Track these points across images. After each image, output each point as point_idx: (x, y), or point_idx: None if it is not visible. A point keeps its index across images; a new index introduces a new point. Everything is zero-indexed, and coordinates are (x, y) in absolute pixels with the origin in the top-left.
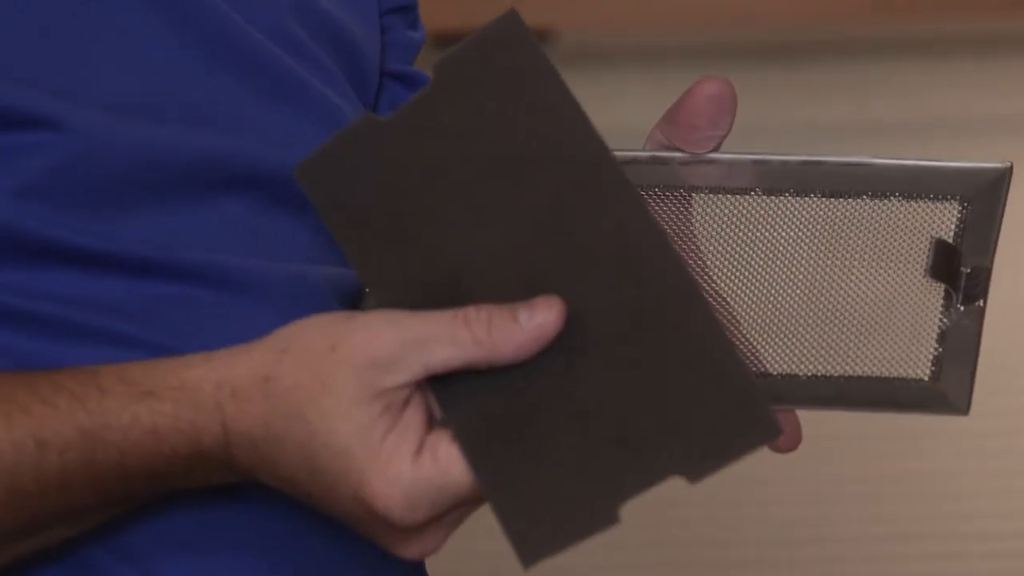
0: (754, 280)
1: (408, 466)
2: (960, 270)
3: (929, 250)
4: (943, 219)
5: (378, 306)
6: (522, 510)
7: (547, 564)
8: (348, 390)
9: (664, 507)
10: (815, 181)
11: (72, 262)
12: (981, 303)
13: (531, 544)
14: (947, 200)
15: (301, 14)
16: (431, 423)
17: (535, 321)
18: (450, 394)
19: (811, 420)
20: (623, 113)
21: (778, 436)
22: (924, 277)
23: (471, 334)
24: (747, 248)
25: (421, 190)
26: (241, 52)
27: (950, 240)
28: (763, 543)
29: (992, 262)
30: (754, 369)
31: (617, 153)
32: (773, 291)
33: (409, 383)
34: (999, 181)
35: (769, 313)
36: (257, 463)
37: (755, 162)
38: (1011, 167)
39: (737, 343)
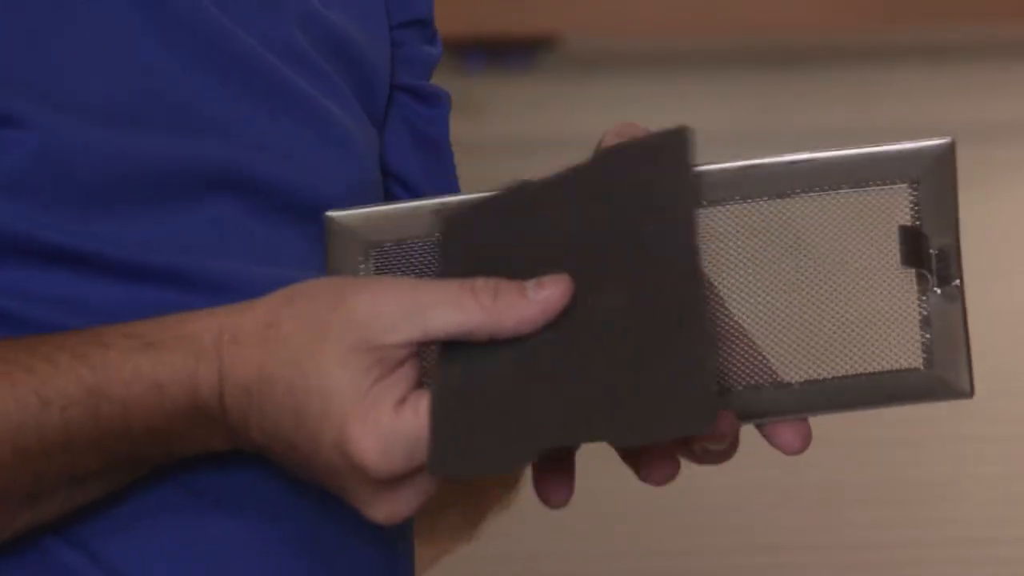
0: (727, 294)
1: (388, 413)
2: (929, 253)
3: (895, 237)
4: (898, 204)
5: None
6: (450, 429)
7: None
8: (345, 340)
9: (661, 515)
10: (759, 185)
11: (61, 263)
12: (957, 282)
13: (442, 456)
14: (896, 183)
15: (304, 23)
16: (421, 385)
17: (543, 294)
18: (447, 359)
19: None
20: (626, 117)
21: (708, 429)
22: (894, 266)
23: (476, 301)
24: (709, 264)
25: (523, 248)
26: (232, 57)
27: (909, 223)
28: (762, 549)
29: (958, 239)
30: (764, 380)
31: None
32: (745, 303)
33: (407, 343)
34: (944, 157)
35: (750, 325)
36: (247, 411)
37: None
38: (953, 142)
39: (744, 351)
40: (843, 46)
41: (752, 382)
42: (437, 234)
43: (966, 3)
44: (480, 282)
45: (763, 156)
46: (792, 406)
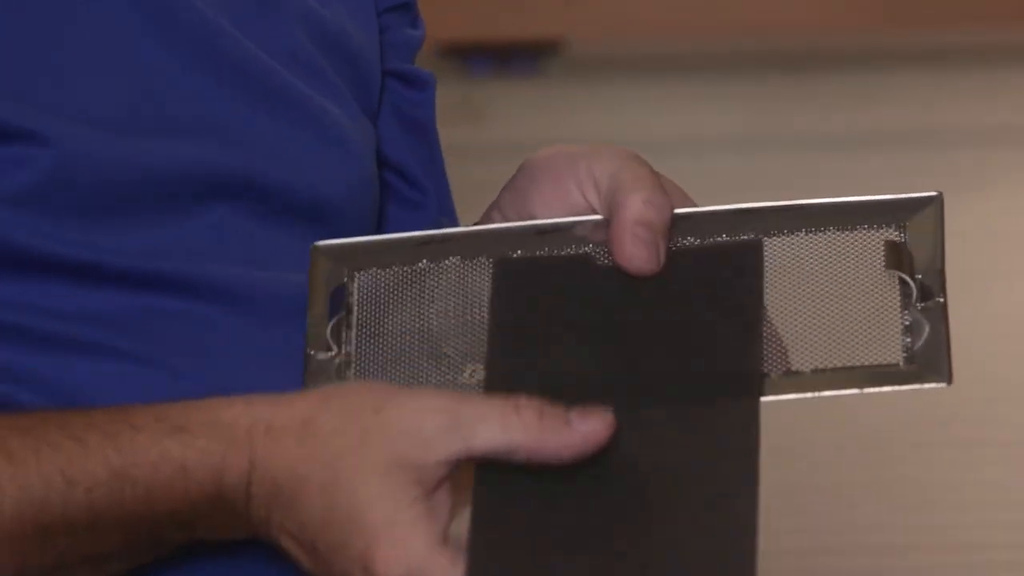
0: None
1: (424, 546)
2: (910, 262)
3: (885, 253)
4: (884, 243)
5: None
6: None
7: None
8: (384, 450)
9: None
10: (745, 227)
11: (63, 274)
12: (941, 299)
13: None
14: (884, 228)
15: (302, 23)
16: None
17: (587, 426)
18: (482, 482)
19: (809, 430)
20: (630, 121)
21: None
22: (882, 277)
23: (520, 419)
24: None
25: (577, 327)
26: (229, 60)
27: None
28: (763, 554)
29: (943, 272)
30: (780, 368)
31: (547, 221)
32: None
33: (448, 462)
34: (933, 209)
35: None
36: (273, 507)
37: (680, 217)
38: (941, 195)
39: (774, 347)
40: (845, 49)
41: (779, 371)
42: (424, 261)
43: (967, 6)
44: (524, 401)
45: (754, 203)
46: (804, 387)
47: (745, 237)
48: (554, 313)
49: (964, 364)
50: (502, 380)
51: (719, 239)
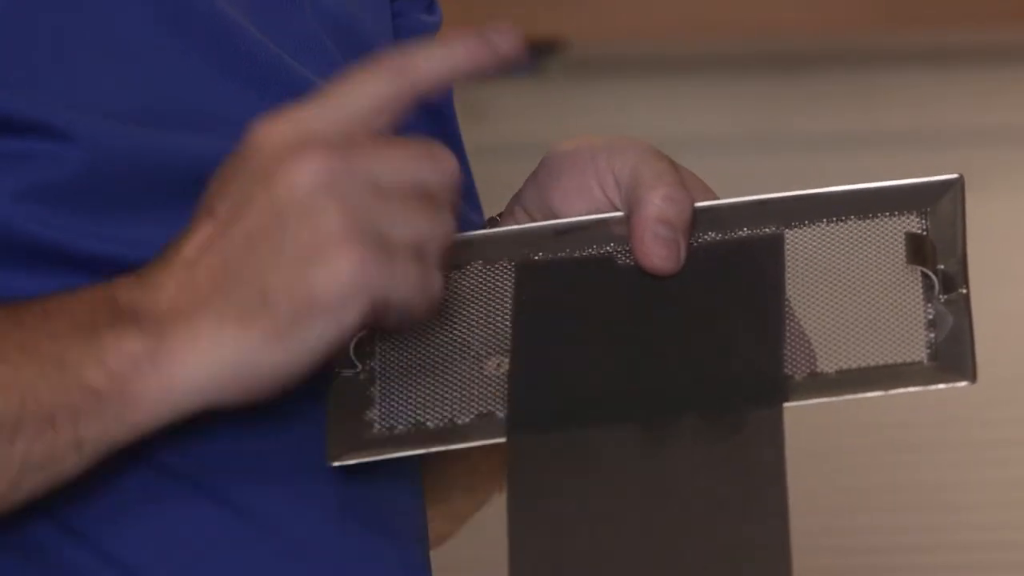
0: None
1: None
2: (933, 256)
3: (903, 246)
4: (907, 229)
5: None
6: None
7: None
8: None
9: None
10: (766, 219)
11: (86, 269)
12: (964, 290)
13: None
14: (906, 214)
15: (313, 11)
16: None
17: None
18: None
19: (812, 432)
20: (632, 120)
21: None
22: (904, 270)
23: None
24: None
25: (597, 323)
26: (243, 55)
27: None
28: None
29: (965, 258)
30: (805, 369)
31: (566, 221)
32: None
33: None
34: (954, 193)
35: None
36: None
37: (700, 210)
38: (961, 178)
39: (799, 346)
40: (848, 49)
41: (803, 372)
42: (512, 267)
43: (969, 5)
44: None
45: (769, 193)
46: (830, 390)
47: (766, 230)
48: (576, 314)
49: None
50: (526, 382)
51: (740, 233)
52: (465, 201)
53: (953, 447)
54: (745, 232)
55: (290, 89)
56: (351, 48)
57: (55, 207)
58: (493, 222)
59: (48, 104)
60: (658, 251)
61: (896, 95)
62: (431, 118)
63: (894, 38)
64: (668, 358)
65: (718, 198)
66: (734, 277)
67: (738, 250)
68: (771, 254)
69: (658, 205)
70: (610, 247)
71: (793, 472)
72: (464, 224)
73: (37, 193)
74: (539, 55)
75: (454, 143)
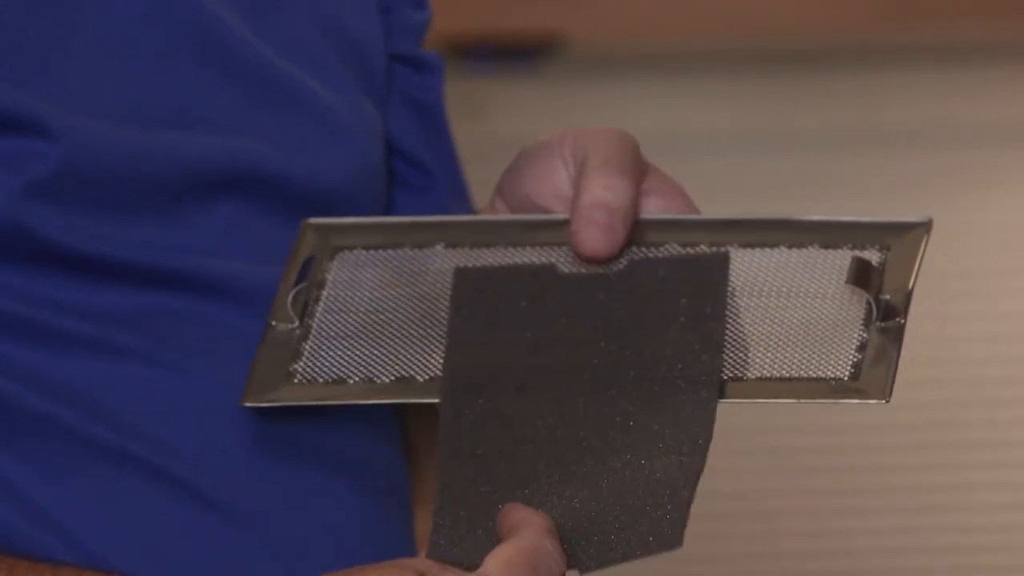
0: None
1: None
2: (876, 282)
3: (849, 270)
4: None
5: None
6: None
7: None
8: None
9: None
10: (727, 237)
11: (72, 267)
12: (902, 320)
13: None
14: (868, 249)
15: (302, 11)
16: None
17: None
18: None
19: (795, 435)
20: (630, 118)
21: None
22: (850, 296)
23: None
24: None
25: (536, 328)
26: (230, 54)
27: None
28: (762, 557)
29: (911, 294)
30: (734, 374)
31: (530, 217)
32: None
33: None
34: (919, 233)
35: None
36: None
37: (665, 222)
38: (930, 221)
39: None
40: (849, 47)
41: (730, 375)
42: (408, 247)
43: (973, 2)
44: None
45: (741, 215)
46: (746, 393)
47: (718, 249)
48: (513, 320)
49: (965, 364)
50: (458, 382)
51: (691, 249)
52: (456, 200)
53: (953, 447)
54: (704, 247)
55: (279, 87)
56: (339, 45)
57: (42, 205)
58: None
59: (34, 103)
60: (592, 235)
61: (897, 92)
62: (420, 115)
63: (895, 35)
64: (603, 361)
65: (689, 199)
66: (677, 288)
67: (683, 264)
68: (716, 270)
69: (596, 192)
70: (555, 252)
71: (775, 477)
72: None
73: (24, 190)
74: (537, 53)
75: (443, 139)
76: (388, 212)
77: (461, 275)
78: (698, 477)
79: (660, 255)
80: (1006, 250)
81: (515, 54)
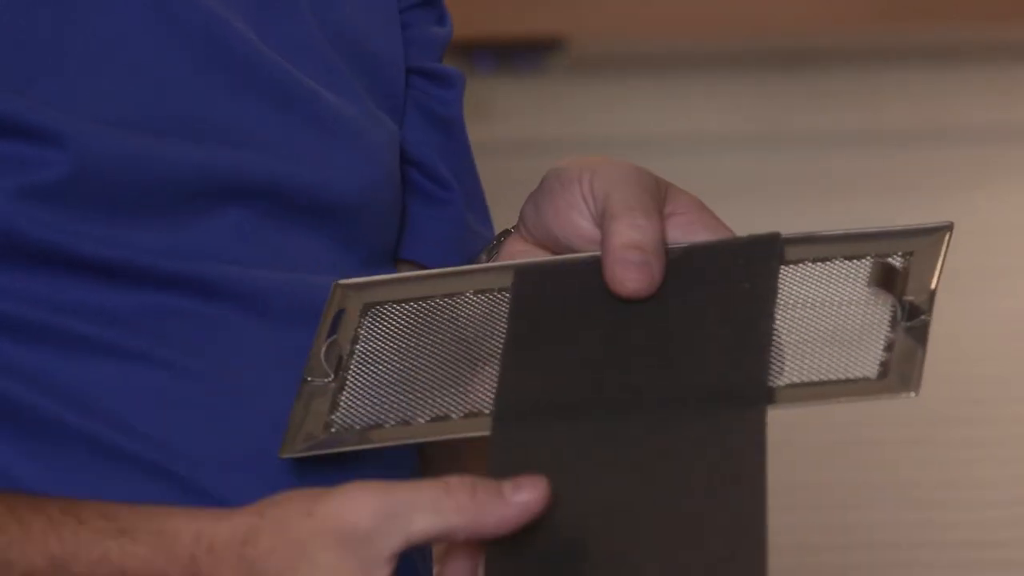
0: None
1: None
2: (900, 284)
3: (873, 275)
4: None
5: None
6: None
7: None
8: (326, 561)
9: None
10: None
11: (77, 270)
12: (927, 318)
13: None
14: (892, 257)
15: (313, 18)
16: None
17: (522, 497)
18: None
19: (801, 431)
20: (635, 118)
21: None
22: (876, 300)
23: (453, 501)
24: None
25: (589, 326)
26: (241, 62)
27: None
28: (774, 550)
29: (934, 294)
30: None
31: (556, 259)
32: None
33: (391, 557)
34: (939, 236)
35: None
36: None
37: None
38: (951, 225)
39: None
40: (850, 46)
41: (778, 383)
42: (439, 298)
43: (975, 2)
44: (455, 481)
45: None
46: (786, 399)
47: (759, 248)
48: (566, 318)
49: (965, 363)
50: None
51: (733, 244)
52: (474, 212)
53: (951, 446)
54: (739, 242)
55: (291, 96)
56: (354, 57)
57: (51, 209)
58: (504, 235)
59: (41, 108)
60: (628, 275)
61: (898, 92)
62: (439, 128)
63: (896, 35)
64: (652, 359)
65: (710, 212)
66: (723, 285)
67: (731, 251)
68: (765, 262)
69: (624, 233)
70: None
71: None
72: (474, 238)
73: (32, 195)
74: (541, 53)
75: (462, 152)
76: (404, 224)
77: (519, 273)
78: (765, 506)
79: (704, 243)
80: (1006, 250)
81: (518, 54)
